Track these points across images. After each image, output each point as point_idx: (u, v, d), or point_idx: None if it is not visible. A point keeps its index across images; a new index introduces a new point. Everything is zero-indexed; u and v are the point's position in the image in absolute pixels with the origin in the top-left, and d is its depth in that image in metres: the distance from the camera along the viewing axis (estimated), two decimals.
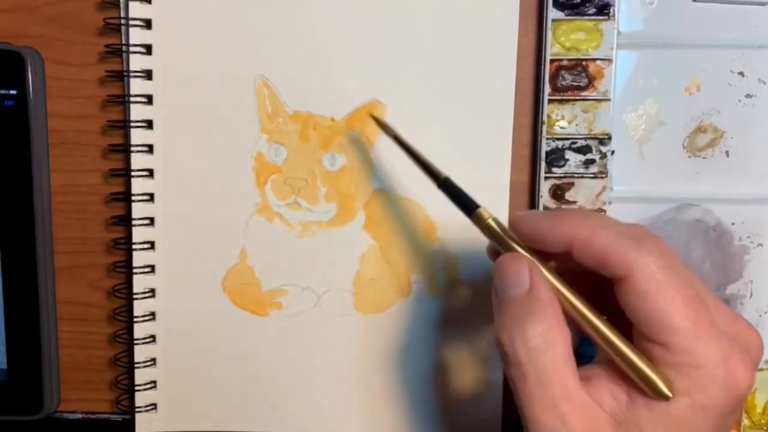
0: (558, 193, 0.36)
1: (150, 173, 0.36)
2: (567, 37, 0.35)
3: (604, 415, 0.23)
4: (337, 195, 0.36)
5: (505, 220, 0.37)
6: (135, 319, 0.37)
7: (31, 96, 0.36)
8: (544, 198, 0.36)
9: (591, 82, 0.35)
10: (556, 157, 0.36)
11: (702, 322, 0.22)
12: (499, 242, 0.27)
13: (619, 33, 0.35)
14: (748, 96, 0.36)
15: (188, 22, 0.36)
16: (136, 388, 0.38)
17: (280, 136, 0.36)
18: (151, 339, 0.37)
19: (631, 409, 0.23)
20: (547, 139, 0.35)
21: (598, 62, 0.35)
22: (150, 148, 0.36)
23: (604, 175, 0.36)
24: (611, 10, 0.35)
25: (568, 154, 0.36)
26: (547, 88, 0.35)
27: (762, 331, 0.37)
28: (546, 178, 0.36)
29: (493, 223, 0.27)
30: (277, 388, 0.38)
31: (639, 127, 0.36)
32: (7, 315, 0.37)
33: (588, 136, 0.35)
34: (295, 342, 0.37)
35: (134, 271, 0.37)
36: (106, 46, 0.36)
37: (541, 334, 0.23)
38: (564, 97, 0.35)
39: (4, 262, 0.36)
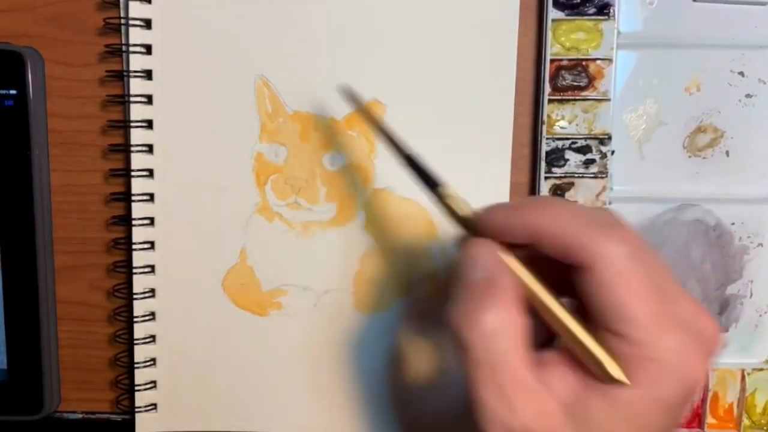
0: (558, 193, 0.36)
1: (150, 173, 0.36)
2: (567, 37, 0.35)
3: (555, 401, 0.23)
4: (337, 195, 0.36)
5: None
6: (135, 319, 0.37)
7: (31, 96, 0.36)
8: None
9: (591, 82, 0.35)
10: (556, 157, 0.36)
11: (661, 314, 0.22)
12: (461, 221, 0.27)
13: (619, 33, 0.35)
14: (748, 96, 0.36)
15: (188, 22, 0.36)
16: (136, 388, 0.38)
17: (280, 136, 0.36)
18: (151, 339, 0.37)
19: (584, 397, 0.23)
20: (547, 139, 0.35)
21: (598, 62, 0.35)
22: (150, 148, 0.36)
23: (604, 175, 0.36)
24: (611, 10, 0.35)
25: (568, 154, 0.36)
26: (547, 88, 0.35)
27: (762, 330, 0.38)
28: (546, 178, 0.36)
29: (454, 200, 0.27)
30: (277, 388, 0.38)
31: (639, 127, 0.36)
32: (7, 315, 0.37)
33: (588, 136, 0.35)
34: (295, 342, 0.37)
35: (134, 271, 0.37)
36: (106, 46, 0.36)
37: (495, 320, 0.23)
38: (564, 97, 0.35)
39: (4, 262, 0.36)
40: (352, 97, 0.33)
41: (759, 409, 0.38)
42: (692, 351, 0.22)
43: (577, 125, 0.35)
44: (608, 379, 0.22)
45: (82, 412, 0.39)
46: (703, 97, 0.36)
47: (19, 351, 0.37)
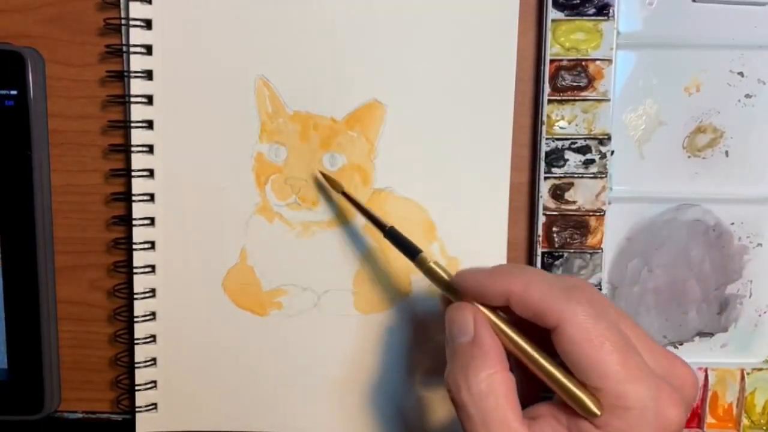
0: (558, 193, 0.36)
1: (150, 173, 0.36)
2: (567, 38, 0.35)
3: None
4: (337, 195, 0.36)
5: (504, 220, 0.37)
6: (135, 319, 0.37)
7: (32, 96, 0.36)
8: (544, 198, 0.36)
9: (591, 82, 0.35)
10: (555, 158, 0.36)
11: (630, 365, 0.24)
12: (442, 285, 0.29)
13: (618, 33, 0.35)
14: (747, 96, 0.36)
15: (188, 22, 0.36)
16: (136, 388, 0.38)
17: (280, 136, 0.36)
18: (151, 339, 0.37)
19: None
20: (547, 139, 0.36)
21: (597, 62, 0.35)
22: (150, 148, 0.36)
23: (603, 175, 0.36)
24: (611, 11, 0.35)
25: (568, 154, 0.36)
26: (547, 89, 0.35)
27: (762, 330, 0.38)
28: (546, 178, 0.36)
29: (435, 267, 0.29)
30: (276, 388, 0.38)
31: (639, 127, 0.36)
32: (7, 315, 0.37)
33: (588, 137, 0.36)
34: (295, 342, 0.37)
35: (134, 271, 0.37)
36: (107, 46, 0.36)
37: (484, 380, 0.25)
38: (564, 98, 0.35)
39: (5, 262, 0.36)
40: (330, 181, 0.35)
41: (758, 409, 0.38)
42: (666, 398, 0.24)
43: (576, 125, 0.35)
44: (585, 412, 0.24)
45: (83, 412, 0.39)
46: (703, 98, 0.36)
47: (20, 351, 0.37)
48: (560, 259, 0.36)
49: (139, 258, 0.37)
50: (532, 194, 0.37)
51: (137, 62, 0.36)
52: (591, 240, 0.36)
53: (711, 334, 0.38)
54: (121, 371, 0.38)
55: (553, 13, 0.35)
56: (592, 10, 0.35)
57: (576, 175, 0.36)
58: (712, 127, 0.36)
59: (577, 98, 0.35)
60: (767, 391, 0.38)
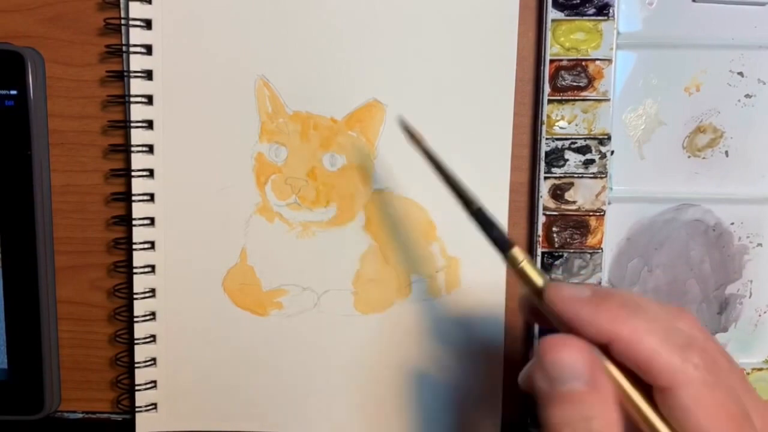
0: (558, 193, 0.36)
1: (150, 173, 0.36)
2: (567, 38, 0.35)
3: None
4: (337, 195, 0.37)
5: (504, 221, 0.37)
6: (135, 319, 0.37)
7: (32, 96, 0.36)
8: (544, 198, 0.36)
9: (591, 82, 0.35)
10: (555, 157, 0.36)
11: None
12: (530, 289, 0.25)
13: (618, 33, 0.35)
14: (747, 96, 0.36)
15: (188, 22, 0.36)
16: (136, 388, 0.38)
17: (280, 136, 0.36)
18: (151, 339, 0.37)
19: None
20: (547, 139, 0.36)
21: (597, 62, 0.35)
22: (150, 148, 0.36)
23: (603, 175, 0.36)
24: (611, 11, 0.35)
25: (568, 154, 0.36)
26: (547, 88, 0.35)
27: (762, 330, 0.38)
28: (546, 178, 0.36)
29: (528, 268, 0.25)
30: (276, 388, 0.38)
31: (638, 127, 0.36)
32: (7, 315, 0.37)
33: (588, 136, 0.36)
34: (295, 342, 0.37)
35: (134, 271, 0.37)
36: (107, 46, 0.36)
37: (601, 428, 0.23)
38: (564, 98, 0.35)
39: (5, 262, 0.36)
40: (415, 137, 0.30)
41: None
42: None
43: (576, 125, 0.35)
44: None
45: (83, 412, 0.39)
46: (703, 98, 0.36)
47: (20, 351, 0.37)
48: (560, 259, 0.36)
49: (139, 258, 0.37)
50: (532, 194, 0.37)
51: (137, 62, 0.36)
52: (591, 240, 0.36)
53: None
54: (121, 371, 0.38)
55: (553, 13, 0.35)
56: (592, 10, 0.35)
57: (576, 175, 0.36)
58: (712, 127, 0.36)
59: (577, 98, 0.35)
60: (767, 391, 0.38)
